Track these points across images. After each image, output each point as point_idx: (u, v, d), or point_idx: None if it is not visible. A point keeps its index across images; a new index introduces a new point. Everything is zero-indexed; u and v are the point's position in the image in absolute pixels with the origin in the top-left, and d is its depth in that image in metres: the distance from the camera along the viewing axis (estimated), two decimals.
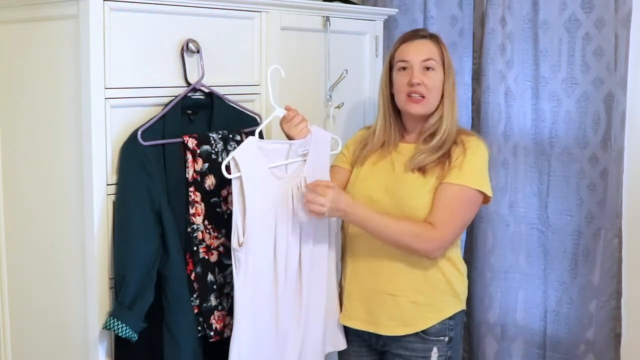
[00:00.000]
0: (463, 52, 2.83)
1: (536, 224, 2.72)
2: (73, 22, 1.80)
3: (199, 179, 1.95)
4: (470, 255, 2.85)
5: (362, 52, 2.66)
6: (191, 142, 1.94)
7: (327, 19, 2.45)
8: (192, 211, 1.93)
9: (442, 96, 2.09)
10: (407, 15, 2.86)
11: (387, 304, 2.07)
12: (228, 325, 2.01)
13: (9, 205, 2.08)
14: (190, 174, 1.93)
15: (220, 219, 1.99)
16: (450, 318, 2.10)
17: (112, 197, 1.85)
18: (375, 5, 2.92)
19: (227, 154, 1.98)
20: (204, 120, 2.03)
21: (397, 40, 2.18)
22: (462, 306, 2.16)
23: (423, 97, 2.07)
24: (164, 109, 1.91)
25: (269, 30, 2.22)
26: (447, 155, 2.06)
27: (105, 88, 1.81)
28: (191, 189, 1.93)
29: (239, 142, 2.03)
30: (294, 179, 2.01)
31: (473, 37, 2.85)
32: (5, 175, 2.08)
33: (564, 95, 2.60)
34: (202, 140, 1.96)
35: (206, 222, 1.96)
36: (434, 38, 2.14)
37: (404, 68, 2.10)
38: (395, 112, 2.17)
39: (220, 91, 2.06)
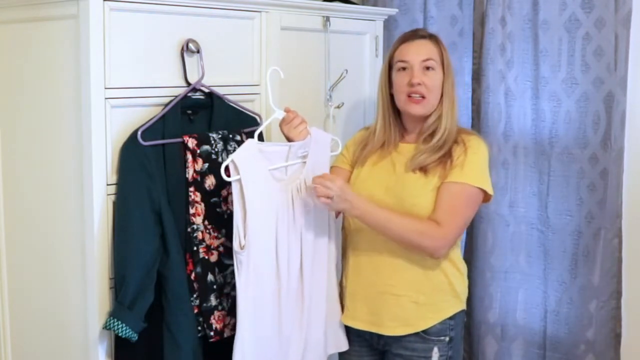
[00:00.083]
0: (463, 52, 2.83)
1: (536, 224, 2.72)
2: (73, 22, 1.80)
3: (199, 179, 1.95)
4: (470, 255, 2.85)
5: (362, 52, 2.66)
6: (191, 142, 1.94)
7: (327, 19, 2.45)
8: (192, 211, 1.93)
9: (442, 96, 2.09)
10: (407, 15, 2.86)
11: (389, 304, 2.07)
12: (228, 325, 2.01)
13: (9, 205, 2.08)
14: (190, 174, 1.93)
15: (220, 219, 1.99)
16: (450, 318, 2.10)
17: (112, 197, 1.85)
18: (375, 5, 2.92)
19: (227, 154, 1.98)
20: (204, 120, 2.03)
21: (396, 40, 2.18)
22: (463, 306, 2.16)
23: (423, 97, 2.07)
24: (164, 109, 1.91)
25: (269, 30, 2.22)
26: (449, 154, 2.06)
27: (105, 88, 1.81)
28: (191, 189, 1.93)
29: (239, 142, 2.03)
30: (293, 181, 2.01)
31: (473, 37, 2.85)
32: (5, 175, 2.08)
33: (564, 95, 2.60)
34: (202, 140, 1.96)
35: (206, 222, 1.96)
36: (433, 38, 2.14)
37: (404, 68, 2.10)
38: (394, 112, 2.17)
39: (220, 91, 2.06)
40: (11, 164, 2.06)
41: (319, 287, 2.08)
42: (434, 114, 2.10)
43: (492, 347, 2.84)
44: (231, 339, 1.98)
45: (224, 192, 1.99)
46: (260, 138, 2.00)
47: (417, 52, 2.09)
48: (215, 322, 1.98)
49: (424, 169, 2.05)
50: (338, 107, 2.54)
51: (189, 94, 1.98)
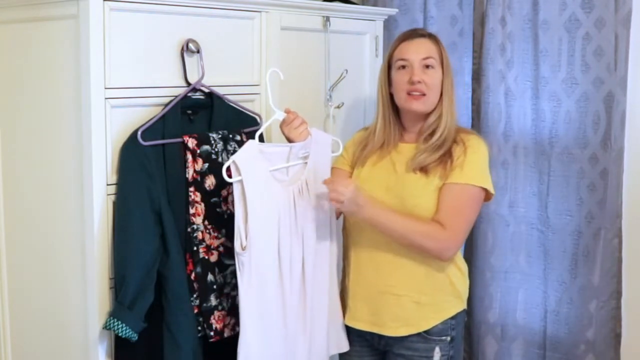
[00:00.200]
0: (463, 52, 2.83)
1: (536, 224, 2.72)
2: (73, 22, 1.80)
3: (199, 179, 1.95)
4: (470, 255, 2.85)
5: (362, 52, 2.66)
6: (191, 142, 1.94)
7: (327, 19, 2.45)
8: (192, 211, 1.93)
9: (441, 95, 2.10)
10: (407, 15, 2.86)
11: (390, 304, 2.07)
12: (228, 325, 2.01)
13: (9, 205, 2.08)
14: (190, 174, 1.93)
15: (220, 219, 1.99)
16: (452, 318, 2.10)
17: (112, 197, 1.85)
18: (375, 5, 2.92)
19: (227, 154, 1.98)
20: (204, 120, 2.03)
21: (395, 39, 2.18)
22: (464, 306, 2.16)
23: (423, 94, 2.08)
24: (164, 109, 1.91)
25: (269, 30, 2.22)
26: (449, 154, 2.06)
27: (105, 88, 1.81)
28: (191, 189, 1.93)
29: (239, 142, 2.03)
30: (295, 182, 2.01)
31: (473, 37, 2.85)
32: (5, 175, 2.08)
33: (564, 95, 2.60)
34: (202, 140, 1.96)
35: (206, 222, 1.96)
36: (432, 37, 2.15)
37: (404, 67, 2.10)
38: (394, 111, 2.17)
39: (220, 91, 2.06)
40: (11, 164, 2.06)
41: (321, 287, 2.08)
42: (434, 113, 2.10)
43: (492, 347, 2.84)
44: (231, 339, 1.98)
45: (224, 192, 1.99)
46: (261, 139, 2.00)
47: (417, 51, 2.10)
48: (215, 322, 1.98)
49: (424, 169, 2.05)
50: (338, 107, 2.54)
51: (189, 94, 1.98)
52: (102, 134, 1.81)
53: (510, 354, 2.81)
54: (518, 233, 2.76)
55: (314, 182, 2.04)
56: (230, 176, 1.87)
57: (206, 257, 1.96)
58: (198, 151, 1.95)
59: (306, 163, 2.05)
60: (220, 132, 2.01)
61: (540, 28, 2.62)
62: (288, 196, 1.98)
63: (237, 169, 1.87)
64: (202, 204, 1.95)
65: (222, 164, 1.90)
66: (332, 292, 2.13)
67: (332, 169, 2.18)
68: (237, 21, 2.14)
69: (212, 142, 1.98)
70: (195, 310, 1.94)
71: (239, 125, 2.09)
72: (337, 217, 2.17)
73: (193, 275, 1.93)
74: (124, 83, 1.86)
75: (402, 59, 2.11)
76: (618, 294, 2.59)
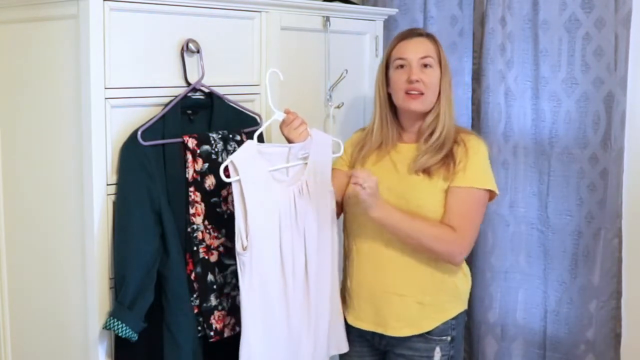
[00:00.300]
0: (463, 52, 2.83)
1: (536, 224, 2.72)
2: (73, 22, 1.80)
3: (199, 179, 1.95)
4: (470, 255, 2.81)
5: (362, 52, 2.66)
6: (191, 142, 1.94)
7: (327, 19, 2.45)
8: (192, 211, 1.93)
9: (439, 94, 2.10)
10: (407, 15, 2.86)
11: (394, 304, 2.07)
12: (228, 325, 2.01)
13: (9, 205, 2.08)
14: (190, 174, 1.93)
15: (220, 219, 1.99)
16: (453, 318, 2.10)
17: (112, 197, 1.85)
18: (375, 5, 2.92)
19: (227, 154, 1.98)
20: (204, 120, 2.03)
21: (393, 39, 2.18)
22: (465, 306, 2.17)
23: (422, 93, 2.08)
24: (164, 109, 1.91)
25: (269, 30, 2.22)
26: (451, 155, 2.06)
27: (105, 88, 1.81)
28: (191, 189, 1.93)
29: (239, 142, 2.03)
30: (295, 182, 2.01)
31: (473, 37, 2.85)
32: (5, 175, 2.08)
33: (564, 95, 2.60)
34: (202, 140, 1.96)
35: (206, 222, 1.96)
36: (430, 37, 2.15)
37: (402, 66, 2.10)
38: (392, 111, 2.17)
39: (220, 91, 2.06)
40: (11, 164, 2.06)
41: (324, 287, 2.08)
42: (432, 112, 2.10)
43: (492, 347, 2.84)
44: (231, 339, 1.98)
45: (224, 192, 1.99)
46: (260, 139, 2.00)
47: (415, 50, 2.10)
48: (215, 322, 1.98)
49: (427, 171, 2.06)
50: (338, 107, 2.54)
51: (189, 94, 1.98)
52: (102, 134, 1.81)
53: (510, 354, 2.81)
54: (518, 233, 2.76)
55: (314, 183, 2.04)
56: (228, 176, 1.87)
57: (206, 257, 1.96)
58: (198, 151, 1.95)
59: (306, 164, 2.05)
60: (220, 132, 2.01)
61: (540, 28, 2.62)
62: (288, 196, 1.98)
63: (235, 169, 1.87)
64: (202, 204, 1.95)
65: (222, 164, 1.90)
66: (334, 293, 2.13)
67: (331, 170, 2.18)
68: (237, 21, 2.14)
69: (212, 142, 1.98)
70: (195, 310, 1.94)
71: (239, 125, 2.09)
72: (338, 217, 2.17)
73: (193, 275, 1.93)
74: (124, 83, 1.86)
75: (401, 58, 2.11)
76: (618, 294, 2.59)
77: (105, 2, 1.79)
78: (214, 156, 1.98)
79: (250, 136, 2.04)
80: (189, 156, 1.93)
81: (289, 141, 2.06)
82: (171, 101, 1.93)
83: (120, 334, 1.80)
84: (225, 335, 2.00)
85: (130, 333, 1.80)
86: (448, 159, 2.06)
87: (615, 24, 2.49)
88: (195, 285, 1.93)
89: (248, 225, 1.88)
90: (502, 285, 2.80)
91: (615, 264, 2.58)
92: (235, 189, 1.88)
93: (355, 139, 2.25)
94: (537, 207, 2.71)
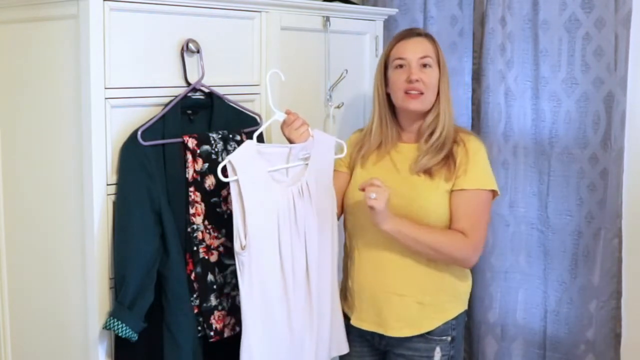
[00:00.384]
0: (463, 52, 2.83)
1: (536, 224, 2.72)
2: (73, 22, 1.80)
3: (199, 179, 1.95)
4: None
5: (362, 52, 2.66)
6: (191, 142, 1.94)
7: (327, 19, 2.45)
8: (192, 211, 1.93)
9: (438, 94, 2.10)
10: (407, 15, 2.86)
11: (394, 304, 2.07)
12: (228, 325, 2.01)
13: (9, 205, 2.08)
14: (190, 174, 1.93)
15: (220, 219, 1.99)
16: (453, 318, 2.11)
17: (112, 197, 1.85)
18: (375, 5, 2.92)
19: (227, 154, 1.98)
20: (204, 120, 2.03)
21: (392, 39, 2.19)
22: (465, 306, 2.17)
23: (421, 93, 2.08)
24: (164, 109, 1.91)
25: (269, 30, 2.22)
26: (451, 156, 2.07)
27: (105, 88, 1.81)
28: (191, 189, 1.93)
29: (239, 142, 2.03)
30: (294, 183, 2.01)
31: (473, 37, 2.85)
32: (5, 175, 2.08)
33: (564, 95, 2.60)
34: (202, 140, 1.96)
35: (206, 222, 1.96)
36: (428, 36, 2.16)
37: (401, 66, 2.11)
38: (391, 111, 2.17)
39: (220, 91, 2.06)
40: (11, 164, 2.06)
41: (324, 288, 2.08)
42: (431, 112, 2.11)
43: (492, 347, 2.84)
44: (231, 339, 1.98)
45: (224, 192, 1.99)
46: (260, 139, 2.00)
47: (414, 50, 2.10)
48: (215, 322, 1.98)
49: (428, 172, 2.06)
50: (338, 107, 2.54)
51: (189, 94, 1.98)
52: (102, 134, 1.81)
53: (510, 354, 2.81)
54: (518, 233, 2.76)
55: (315, 184, 2.04)
56: (226, 176, 1.87)
57: (206, 257, 1.96)
58: (198, 151, 1.95)
59: (307, 164, 2.05)
60: (220, 132, 2.01)
61: (540, 28, 2.62)
62: (287, 197, 1.97)
63: (234, 169, 1.87)
64: (202, 204, 1.95)
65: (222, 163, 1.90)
66: (334, 293, 2.13)
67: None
68: (237, 21, 2.14)
69: (212, 142, 1.98)
70: (195, 310, 1.94)
71: (239, 125, 2.09)
72: (338, 218, 2.17)
73: (193, 275, 1.93)
74: (124, 83, 1.86)
75: (400, 58, 2.11)
76: (618, 294, 2.59)
77: (105, 2, 1.79)
78: (214, 156, 1.98)
79: (250, 136, 2.04)
80: (189, 156, 1.93)
81: (290, 142, 2.06)
82: (171, 101, 1.93)
83: (120, 334, 1.80)
84: (225, 335, 2.00)
85: (130, 333, 1.80)
86: (448, 159, 2.06)
87: (615, 24, 2.49)
88: (195, 285, 1.93)
89: (246, 225, 1.88)
90: (502, 285, 2.80)
91: (615, 264, 2.58)
92: (233, 189, 1.88)
93: (353, 140, 2.25)
94: (537, 207, 2.71)
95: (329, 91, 2.50)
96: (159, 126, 1.89)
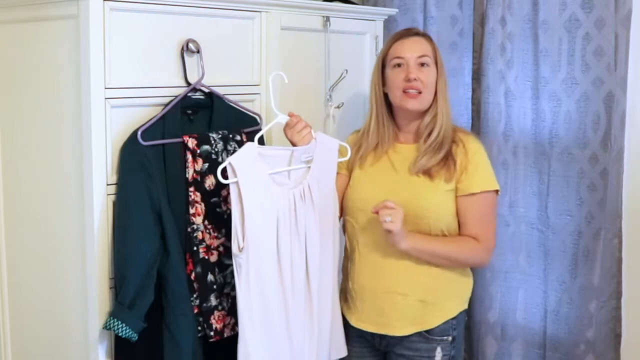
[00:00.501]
0: (463, 52, 2.83)
1: (536, 224, 2.72)
2: (73, 22, 1.80)
3: (199, 179, 1.95)
4: None
5: (362, 52, 2.66)
6: (191, 142, 1.94)
7: (327, 19, 2.45)
8: (192, 211, 1.93)
9: (436, 94, 2.10)
10: (407, 15, 2.86)
11: (396, 303, 2.07)
12: (228, 325, 2.01)
13: (9, 205, 2.08)
14: (190, 174, 1.93)
15: (220, 219, 1.99)
16: (454, 318, 2.11)
17: (112, 197, 1.85)
18: (375, 5, 2.92)
19: (227, 154, 1.98)
20: (204, 120, 2.03)
21: (389, 38, 2.19)
22: (465, 305, 2.18)
23: (419, 92, 2.08)
24: (164, 109, 1.91)
25: (269, 30, 2.22)
26: (450, 156, 2.07)
27: (105, 88, 1.81)
28: (191, 189, 1.93)
29: (239, 142, 2.03)
30: (296, 186, 2.00)
31: (473, 37, 2.85)
32: (5, 175, 2.08)
33: (564, 95, 2.60)
34: (202, 140, 1.96)
35: (206, 222, 1.96)
36: (426, 36, 2.17)
37: (399, 65, 2.11)
38: (388, 111, 2.17)
39: (220, 91, 2.06)
40: (11, 164, 2.06)
41: (325, 292, 2.07)
42: (429, 112, 2.11)
43: (492, 347, 2.84)
44: (231, 339, 1.98)
45: (224, 192, 1.99)
46: (261, 142, 1.99)
47: (412, 49, 2.10)
48: (215, 322, 1.98)
49: (428, 173, 2.06)
50: (338, 107, 2.54)
51: (189, 94, 1.98)
52: (102, 134, 1.81)
53: (510, 354, 2.81)
54: (518, 233, 2.76)
55: (317, 187, 2.03)
56: (226, 178, 1.87)
57: (206, 257, 1.96)
58: (198, 151, 1.95)
59: (310, 167, 2.04)
60: (220, 132, 2.01)
61: (540, 28, 2.62)
62: (288, 200, 1.97)
63: (234, 170, 1.87)
64: (202, 204, 1.95)
65: (221, 165, 1.90)
66: (335, 297, 2.13)
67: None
68: (237, 21, 2.14)
69: (212, 142, 1.98)
70: (195, 310, 1.94)
71: (239, 125, 2.09)
72: (340, 218, 2.17)
73: (193, 275, 1.93)
74: (124, 83, 1.86)
75: (398, 57, 2.11)
76: (618, 294, 2.59)
77: (105, 2, 1.79)
78: (214, 156, 1.98)
79: (250, 136, 2.04)
80: (189, 156, 1.93)
81: (293, 144, 2.06)
82: (171, 101, 1.93)
83: (120, 334, 1.80)
84: (225, 335, 2.00)
85: (130, 333, 1.80)
86: (448, 160, 2.07)
87: (615, 24, 2.49)
88: (195, 285, 1.93)
89: (245, 227, 1.87)
90: (502, 285, 2.80)
91: (615, 264, 2.58)
92: (233, 191, 1.88)
93: (351, 141, 2.25)
94: (537, 207, 2.71)
95: (329, 91, 2.50)
96: (159, 126, 1.89)
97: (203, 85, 2.01)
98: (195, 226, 1.94)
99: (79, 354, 1.92)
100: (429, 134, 2.10)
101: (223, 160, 1.95)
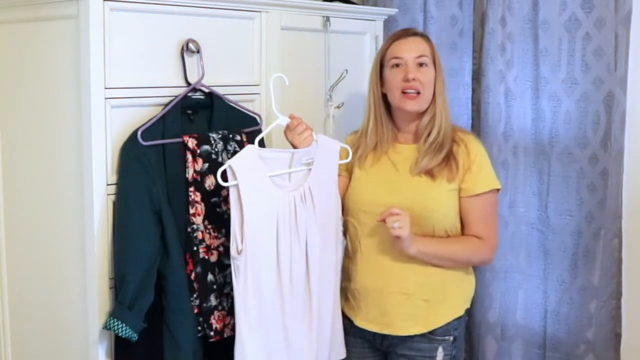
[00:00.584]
0: (463, 52, 2.83)
1: (536, 224, 2.72)
2: (73, 22, 1.80)
3: (199, 178, 1.95)
4: None
5: (362, 52, 2.66)
6: (191, 142, 1.94)
7: (327, 19, 2.45)
8: (192, 211, 1.93)
9: (434, 94, 2.10)
10: (407, 15, 2.86)
11: (400, 303, 2.07)
12: (228, 325, 2.01)
13: (9, 205, 2.08)
14: (190, 174, 1.93)
15: (220, 219, 1.99)
16: (457, 317, 2.11)
17: (112, 197, 1.85)
18: (375, 5, 2.92)
19: (227, 154, 1.98)
20: (204, 120, 2.03)
21: (387, 39, 2.20)
22: (468, 305, 2.19)
23: (418, 93, 2.08)
24: (164, 109, 1.91)
25: (269, 30, 2.22)
26: (452, 156, 2.07)
27: (105, 88, 1.81)
28: (191, 189, 1.93)
29: (239, 142, 2.03)
30: (297, 188, 2.00)
31: (473, 37, 2.85)
32: (5, 175, 2.08)
33: (564, 95, 2.60)
34: (202, 140, 1.96)
35: (206, 222, 1.96)
36: (424, 36, 2.18)
37: (397, 65, 2.11)
38: (386, 111, 2.17)
39: (220, 91, 2.06)
40: (11, 164, 2.06)
41: (326, 294, 2.07)
42: (428, 112, 2.11)
43: (492, 347, 2.84)
44: (231, 339, 1.98)
45: (224, 192, 1.99)
46: (261, 144, 1.99)
47: (410, 49, 2.10)
48: (215, 322, 1.98)
49: (429, 173, 2.06)
50: (338, 107, 2.54)
51: (189, 94, 1.98)
52: (102, 134, 1.81)
53: (510, 354, 2.81)
54: (518, 233, 2.76)
55: (318, 189, 2.03)
56: (225, 180, 1.86)
57: (206, 257, 1.96)
58: (198, 151, 1.95)
59: (310, 170, 2.04)
60: (220, 132, 2.01)
61: (540, 28, 2.62)
62: (289, 202, 1.96)
63: (234, 173, 1.87)
64: (202, 204, 1.95)
65: (222, 164, 1.90)
66: (336, 300, 2.13)
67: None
68: (237, 21, 2.14)
69: (212, 142, 1.98)
70: (195, 310, 1.94)
71: (239, 125, 2.09)
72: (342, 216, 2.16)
73: (193, 275, 1.93)
74: (124, 83, 1.86)
75: (396, 57, 2.11)
76: (618, 294, 2.59)
77: (105, 2, 1.79)
78: (214, 156, 1.98)
79: (250, 136, 2.04)
80: (189, 156, 1.93)
81: (293, 146, 2.05)
82: (171, 101, 1.93)
83: (120, 334, 1.80)
84: (225, 335, 2.00)
85: (130, 333, 1.80)
86: (449, 160, 2.07)
87: (615, 24, 2.49)
88: (195, 285, 1.93)
89: (244, 230, 1.87)
90: (502, 285, 2.80)
91: (615, 264, 2.58)
92: (232, 193, 1.87)
93: (349, 142, 2.24)
94: (537, 207, 2.71)
95: (329, 91, 2.50)
96: (159, 126, 1.89)
97: (203, 85, 2.01)
98: (195, 226, 1.94)
99: (79, 354, 1.92)
100: (428, 134, 2.10)
101: (223, 160, 1.95)
